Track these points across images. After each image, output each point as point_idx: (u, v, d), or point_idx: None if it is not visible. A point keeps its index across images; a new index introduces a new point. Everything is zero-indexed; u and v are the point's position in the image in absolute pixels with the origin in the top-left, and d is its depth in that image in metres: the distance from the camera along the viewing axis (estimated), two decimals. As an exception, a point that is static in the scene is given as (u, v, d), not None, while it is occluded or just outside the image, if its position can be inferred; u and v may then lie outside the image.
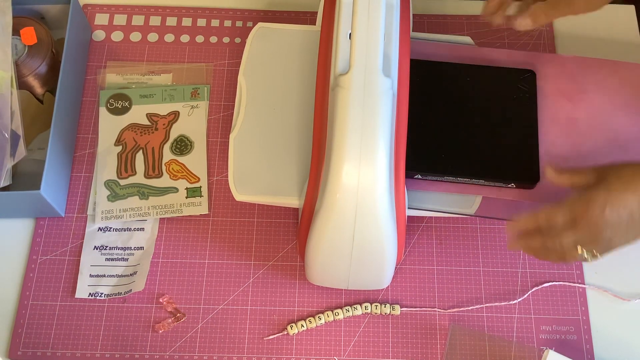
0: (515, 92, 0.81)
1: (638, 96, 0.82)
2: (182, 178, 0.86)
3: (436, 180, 0.77)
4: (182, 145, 0.88)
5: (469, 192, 0.76)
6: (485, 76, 0.82)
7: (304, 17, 0.97)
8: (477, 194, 0.77)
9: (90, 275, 0.81)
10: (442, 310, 0.80)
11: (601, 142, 0.79)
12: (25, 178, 0.84)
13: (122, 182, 0.86)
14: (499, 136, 0.78)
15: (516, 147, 0.78)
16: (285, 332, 0.79)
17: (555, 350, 0.75)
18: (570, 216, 0.66)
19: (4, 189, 0.79)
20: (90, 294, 0.80)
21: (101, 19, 0.97)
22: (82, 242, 0.83)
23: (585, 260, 0.67)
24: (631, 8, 0.98)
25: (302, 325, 0.79)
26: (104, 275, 0.81)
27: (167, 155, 0.87)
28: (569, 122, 0.80)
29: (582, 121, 0.80)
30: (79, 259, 0.82)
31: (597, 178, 0.66)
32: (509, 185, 0.76)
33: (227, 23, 0.97)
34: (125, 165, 0.86)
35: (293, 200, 0.77)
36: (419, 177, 0.76)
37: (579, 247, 0.66)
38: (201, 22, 0.97)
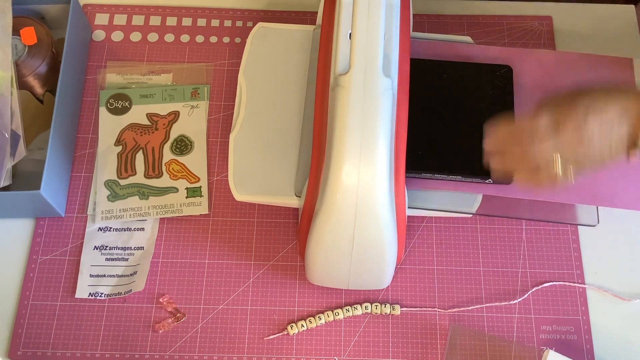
0: (492, 88, 0.81)
1: None
2: (182, 178, 0.86)
3: (416, 178, 0.77)
4: (182, 145, 0.88)
5: (449, 188, 0.77)
6: (462, 73, 0.82)
7: (304, 17, 0.97)
8: (456, 190, 0.77)
9: (91, 275, 0.81)
10: (442, 310, 0.80)
11: None
12: (25, 178, 0.84)
13: (122, 182, 0.86)
14: (475, 132, 0.78)
15: None
16: (285, 332, 0.79)
17: (555, 350, 0.75)
18: (553, 118, 0.65)
19: (4, 189, 0.79)
20: (90, 294, 0.80)
21: (101, 19, 0.97)
22: (82, 242, 0.83)
23: (558, 178, 0.65)
24: (631, 8, 0.98)
25: (302, 325, 0.79)
26: (104, 275, 0.81)
27: (167, 155, 0.87)
28: None
29: None
30: (79, 259, 0.82)
31: (578, 90, 0.65)
32: (487, 181, 0.77)
33: (227, 23, 0.97)
34: (125, 165, 0.86)
35: (293, 200, 0.77)
36: None
37: (555, 157, 0.65)
38: (201, 22, 0.97)
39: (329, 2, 0.76)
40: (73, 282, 0.81)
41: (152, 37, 0.96)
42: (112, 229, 0.84)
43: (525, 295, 0.81)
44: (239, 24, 0.97)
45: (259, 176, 0.78)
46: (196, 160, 0.87)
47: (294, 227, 0.84)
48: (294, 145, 0.80)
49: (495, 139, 0.69)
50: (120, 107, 0.90)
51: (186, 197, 0.85)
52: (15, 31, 0.85)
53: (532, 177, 0.67)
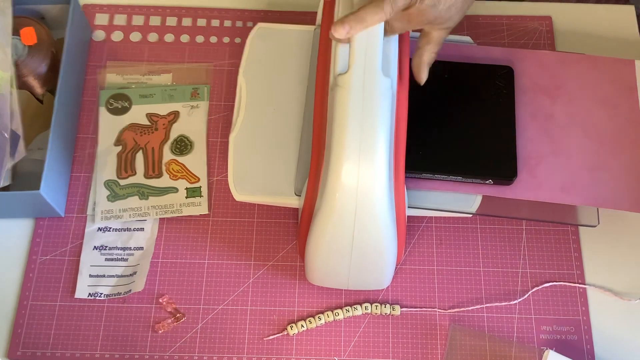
0: (493, 88, 0.81)
1: (615, 91, 0.82)
2: (182, 178, 0.86)
3: (416, 178, 0.77)
4: (182, 145, 0.88)
5: (449, 188, 0.77)
6: (462, 73, 0.82)
7: (304, 17, 0.97)
8: (456, 191, 0.77)
9: (90, 276, 0.81)
10: (442, 310, 0.80)
11: (578, 136, 0.80)
12: (25, 178, 0.84)
13: (122, 182, 0.86)
14: (476, 133, 0.79)
15: (494, 143, 0.78)
16: (285, 332, 0.79)
17: (555, 351, 0.75)
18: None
19: (4, 189, 0.79)
20: (90, 294, 0.80)
21: (101, 19, 0.97)
22: (82, 242, 0.83)
23: None
24: (631, 8, 0.98)
25: (302, 326, 0.79)
26: (104, 276, 0.81)
27: (167, 155, 0.87)
28: (546, 117, 0.81)
29: (560, 116, 0.81)
30: (79, 259, 0.82)
31: None
32: (487, 182, 0.77)
33: (227, 23, 0.97)
34: (125, 165, 0.86)
35: (293, 200, 0.77)
36: None
37: None
38: (201, 22, 0.97)
39: (329, 2, 0.76)
40: (73, 282, 0.81)
41: (152, 37, 0.96)
42: (111, 229, 0.84)
43: (526, 296, 0.81)
44: (239, 24, 0.97)
45: (259, 176, 0.78)
46: (196, 161, 0.87)
47: (294, 227, 0.84)
48: (293, 145, 0.80)
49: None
50: (120, 107, 0.90)
51: (186, 197, 0.85)
52: (15, 31, 0.85)
53: None
